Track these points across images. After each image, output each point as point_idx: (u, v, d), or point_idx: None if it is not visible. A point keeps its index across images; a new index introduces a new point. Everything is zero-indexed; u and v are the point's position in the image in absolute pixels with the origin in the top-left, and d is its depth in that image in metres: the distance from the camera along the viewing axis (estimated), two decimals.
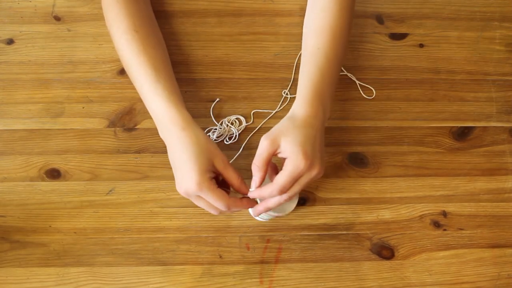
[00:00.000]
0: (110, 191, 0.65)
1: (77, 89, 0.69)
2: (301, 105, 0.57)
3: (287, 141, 0.53)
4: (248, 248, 0.64)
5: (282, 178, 0.53)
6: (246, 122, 0.69)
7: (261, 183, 0.55)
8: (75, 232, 0.64)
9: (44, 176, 0.65)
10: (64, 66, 0.70)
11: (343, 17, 0.62)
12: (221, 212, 0.57)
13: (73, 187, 0.65)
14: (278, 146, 0.54)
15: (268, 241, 0.65)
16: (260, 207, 0.57)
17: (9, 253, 0.63)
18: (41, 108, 0.68)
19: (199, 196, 0.55)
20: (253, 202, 0.57)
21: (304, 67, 0.60)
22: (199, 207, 0.65)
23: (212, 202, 0.54)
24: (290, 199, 0.56)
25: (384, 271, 0.64)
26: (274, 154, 0.55)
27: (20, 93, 0.68)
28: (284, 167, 0.54)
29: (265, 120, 0.69)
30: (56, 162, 0.66)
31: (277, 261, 0.64)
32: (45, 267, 0.62)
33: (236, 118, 0.69)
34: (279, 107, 0.69)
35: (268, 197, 0.55)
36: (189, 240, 0.64)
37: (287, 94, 0.69)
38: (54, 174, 0.65)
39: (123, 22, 0.62)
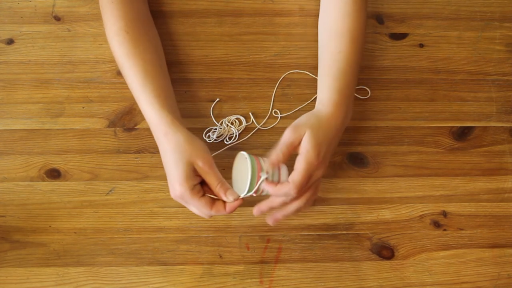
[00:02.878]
0: (110, 191, 0.65)
1: (77, 89, 0.69)
2: (327, 105, 0.58)
3: (310, 136, 0.55)
4: (248, 248, 0.64)
5: (298, 176, 0.54)
6: (246, 122, 0.69)
7: (276, 164, 0.55)
8: (75, 232, 0.64)
9: (44, 176, 0.65)
10: (64, 66, 0.70)
11: (361, 20, 0.63)
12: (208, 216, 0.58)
13: (73, 187, 0.65)
14: (302, 136, 0.55)
15: (268, 241, 0.65)
16: (263, 206, 0.58)
17: (9, 253, 0.63)
18: (41, 108, 0.68)
19: (185, 204, 0.58)
20: (234, 208, 0.56)
21: (328, 69, 0.61)
22: None
23: (195, 210, 0.57)
24: (298, 199, 0.56)
25: (384, 271, 0.64)
26: (297, 142, 0.55)
27: (20, 93, 0.68)
28: (297, 166, 0.54)
29: (249, 135, 0.69)
30: (56, 162, 0.66)
31: (277, 261, 0.64)
32: (45, 267, 0.62)
33: (236, 118, 0.69)
34: (264, 122, 0.69)
35: (283, 196, 0.55)
36: (189, 240, 0.64)
37: (277, 113, 0.69)
38: (54, 174, 0.65)
39: (116, 23, 0.62)
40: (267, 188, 0.56)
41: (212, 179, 0.55)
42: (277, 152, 0.55)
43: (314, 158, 0.54)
